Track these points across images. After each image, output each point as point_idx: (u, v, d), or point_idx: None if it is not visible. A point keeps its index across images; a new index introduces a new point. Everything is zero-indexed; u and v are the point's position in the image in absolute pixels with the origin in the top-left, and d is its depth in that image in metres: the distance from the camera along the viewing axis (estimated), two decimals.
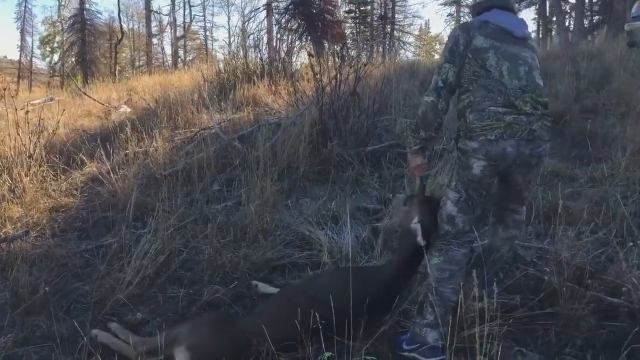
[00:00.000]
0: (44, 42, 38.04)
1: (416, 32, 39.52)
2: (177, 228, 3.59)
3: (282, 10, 26.71)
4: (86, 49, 30.53)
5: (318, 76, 5.30)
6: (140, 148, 5.44)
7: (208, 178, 4.62)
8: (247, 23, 30.14)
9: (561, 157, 4.68)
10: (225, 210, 4.08)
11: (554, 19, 27.05)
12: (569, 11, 27.25)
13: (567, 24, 26.26)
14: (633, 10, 9.09)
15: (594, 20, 26.20)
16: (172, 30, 37.44)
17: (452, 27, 3.17)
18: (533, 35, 29.53)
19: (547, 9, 28.46)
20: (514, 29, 2.52)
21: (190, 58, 37.74)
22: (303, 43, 25.12)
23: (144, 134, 5.67)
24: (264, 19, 26.21)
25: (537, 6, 29.08)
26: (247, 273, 3.14)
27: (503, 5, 2.60)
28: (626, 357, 2.08)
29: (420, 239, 2.52)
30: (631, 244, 2.69)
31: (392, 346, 2.45)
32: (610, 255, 2.82)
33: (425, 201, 2.71)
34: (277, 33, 24.02)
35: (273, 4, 26.50)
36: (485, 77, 2.43)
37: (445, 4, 33.12)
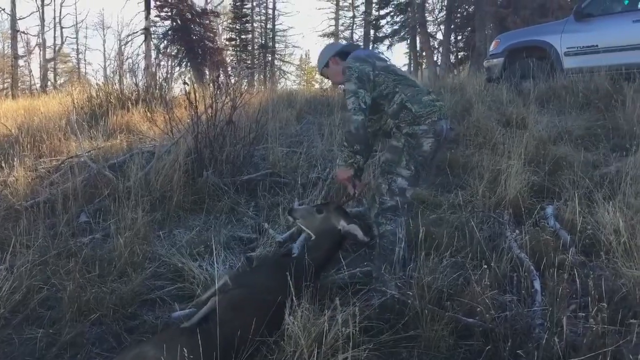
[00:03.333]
0: None
1: (296, 62, 40.54)
2: (37, 264, 3.36)
3: (161, 36, 26.32)
4: None
5: (194, 104, 5.25)
6: None
7: (74, 209, 4.37)
8: (123, 47, 29.29)
9: (426, 185, 4.96)
10: (93, 243, 3.89)
11: (424, 53, 28.87)
12: (437, 47, 29.23)
13: (435, 58, 28.14)
14: (491, 49, 9.92)
15: (459, 56, 28.29)
16: (41, 52, 35.43)
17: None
18: (405, 68, 31.41)
19: (418, 44, 30.33)
20: (382, 56, 3.45)
21: (62, 82, 35.85)
22: (182, 69, 24.87)
23: (3, 163, 5.27)
24: (141, 44, 25.60)
25: (408, 41, 30.91)
26: (112, 309, 3.00)
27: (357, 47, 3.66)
28: None
29: (362, 237, 3.13)
30: (485, 266, 2.88)
31: None
32: (467, 277, 3.01)
33: (340, 207, 3.32)
34: (155, 58, 23.50)
35: (151, 29, 25.99)
36: (404, 79, 3.22)
37: (323, 36, 34.20)
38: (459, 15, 27.68)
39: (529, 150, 5.15)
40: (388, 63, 3.31)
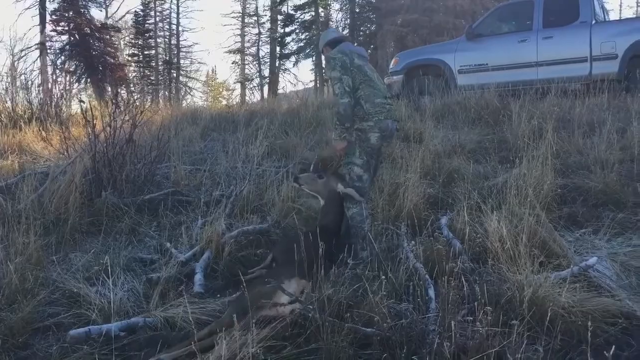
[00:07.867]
0: None
1: (203, 78, 39.99)
2: None
3: (58, 51, 25.16)
4: None
5: (91, 122, 5.08)
6: None
7: None
8: (17, 62, 27.68)
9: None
10: None
11: None
12: None
13: None
14: (391, 66, 10.31)
15: None
16: None
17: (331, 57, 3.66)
18: (311, 84, 31.84)
19: (323, 61, 30.79)
20: (364, 53, 4.06)
21: None
22: (82, 86, 23.89)
23: None
24: (36, 59, 24.32)
25: (314, 58, 31.40)
26: (2, 339, 2.83)
27: (348, 40, 4.29)
28: None
29: (358, 197, 3.76)
30: (383, 277, 2.98)
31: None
32: (366, 289, 3.10)
33: (337, 173, 4.09)
34: (51, 74, 22.42)
35: (47, 43, 24.81)
36: (369, 80, 3.86)
37: (230, 52, 34.02)
38: (361, 33, 28.56)
39: (425, 163, 5.39)
40: (363, 63, 3.91)
